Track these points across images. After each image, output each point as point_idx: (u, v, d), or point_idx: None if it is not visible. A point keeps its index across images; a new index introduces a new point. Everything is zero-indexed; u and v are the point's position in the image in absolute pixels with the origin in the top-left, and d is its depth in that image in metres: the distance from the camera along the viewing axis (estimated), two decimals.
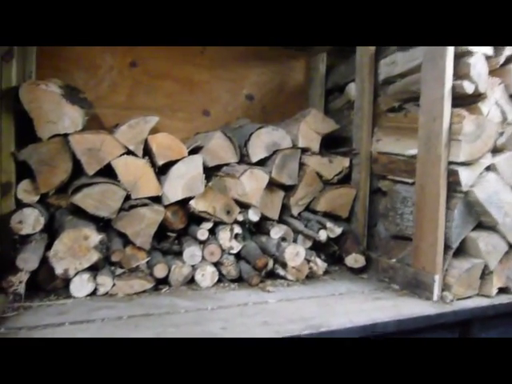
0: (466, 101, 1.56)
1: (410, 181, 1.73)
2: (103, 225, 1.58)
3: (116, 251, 1.51)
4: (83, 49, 2.02)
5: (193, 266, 1.66)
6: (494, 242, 1.62)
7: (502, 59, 1.60)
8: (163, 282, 1.61)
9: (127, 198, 1.59)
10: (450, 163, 1.54)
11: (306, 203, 1.97)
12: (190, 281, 1.65)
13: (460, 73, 1.53)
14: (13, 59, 1.44)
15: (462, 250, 1.62)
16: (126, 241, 1.60)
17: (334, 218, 1.98)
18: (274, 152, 1.86)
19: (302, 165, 1.93)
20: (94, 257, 1.46)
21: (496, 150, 1.62)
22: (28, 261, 1.37)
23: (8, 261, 1.42)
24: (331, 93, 2.39)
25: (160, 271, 1.59)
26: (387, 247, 1.88)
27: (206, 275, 1.64)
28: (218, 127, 2.14)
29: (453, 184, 1.55)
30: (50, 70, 1.90)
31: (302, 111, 2.07)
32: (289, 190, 1.93)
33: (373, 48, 1.94)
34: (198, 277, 1.64)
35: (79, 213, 1.55)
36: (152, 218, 1.61)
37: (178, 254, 1.70)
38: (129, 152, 1.62)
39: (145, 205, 1.60)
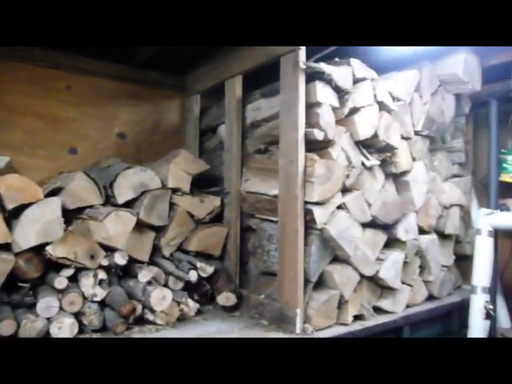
0: (317, 146, 1.73)
1: (274, 219, 1.84)
2: None
3: None
4: None
5: (48, 319, 1.51)
6: (348, 273, 1.78)
7: (346, 110, 1.82)
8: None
9: None
10: (306, 203, 1.67)
11: (178, 243, 1.96)
12: (46, 335, 1.50)
13: (311, 121, 1.70)
14: None
15: (320, 283, 1.75)
16: None
17: (206, 256, 1.99)
18: (143, 193, 1.83)
19: (172, 205, 1.93)
20: None
21: (345, 191, 1.81)
22: None
23: None
24: (205, 133, 2.46)
25: (7, 328, 1.42)
26: (257, 284, 1.95)
27: (64, 327, 1.51)
28: (87, 166, 2.05)
29: (309, 222, 1.69)
30: None
31: (173, 152, 2.08)
32: (160, 230, 1.90)
33: (240, 93, 2.06)
34: (53, 330, 1.49)
35: None
36: None
37: (32, 307, 1.54)
38: None
39: None
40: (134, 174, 1.81)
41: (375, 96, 1.88)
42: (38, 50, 2.04)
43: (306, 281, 1.69)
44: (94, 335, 1.57)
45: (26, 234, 1.52)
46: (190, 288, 1.89)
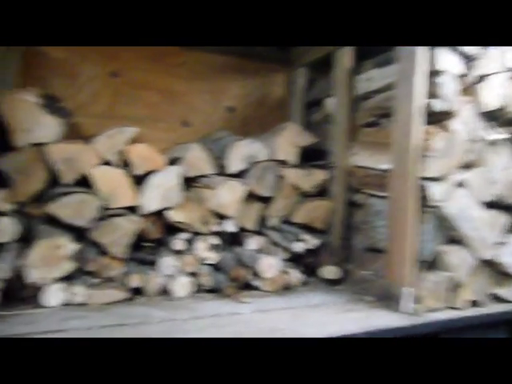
0: (436, 118, 1.61)
1: (383, 194, 1.77)
2: (79, 234, 1.58)
3: (91, 261, 1.52)
4: (63, 57, 2.03)
5: (168, 276, 1.66)
6: (463, 255, 1.67)
7: (471, 78, 1.66)
8: (138, 292, 1.62)
9: (104, 207, 1.60)
10: (421, 178, 1.58)
11: (284, 215, 1.99)
12: (165, 291, 1.66)
13: (431, 91, 1.59)
14: None
15: (432, 264, 1.66)
16: (102, 250, 1.60)
17: (310, 229, 2.00)
18: (252, 164, 1.89)
19: (279, 177, 1.96)
20: (68, 266, 1.46)
21: (465, 167, 1.67)
22: (1, 269, 1.36)
23: None
24: (311, 106, 2.43)
25: (135, 281, 1.59)
26: (361, 259, 1.91)
27: (181, 285, 1.65)
28: (198, 138, 2.16)
29: (424, 199, 1.60)
30: (29, 79, 1.90)
31: (281, 125, 2.10)
32: (266, 201, 1.96)
33: (350, 64, 1.99)
34: (173, 287, 1.64)
35: (54, 222, 1.55)
36: (128, 228, 1.61)
37: (154, 264, 1.70)
38: (106, 162, 1.63)
39: (121, 215, 1.61)
40: (244, 145, 1.88)
41: (504, 63, 1.69)
42: None
43: (417, 260, 1.61)
44: (208, 295, 1.70)
45: (151, 199, 1.67)
46: (293, 259, 1.93)
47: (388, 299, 1.66)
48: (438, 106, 1.56)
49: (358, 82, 2.01)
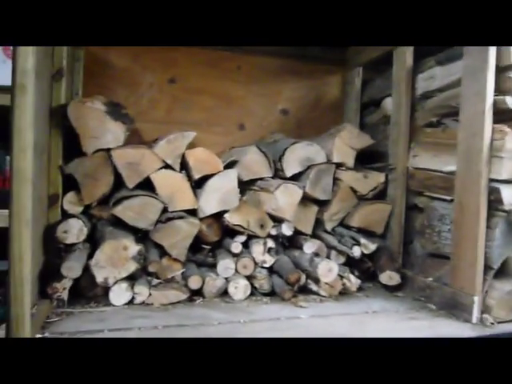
0: (507, 116, 1.51)
1: (447, 198, 1.69)
2: (141, 236, 1.64)
3: (153, 262, 1.56)
4: (125, 67, 2.12)
5: (226, 279, 1.68)
6: None
7: None
8: (197, 293, 1.65)
9: (164, 210, 1.64)
10: (491, 180, 1.49)
11: (340, 218, 1.96)
12: (223, 293, 1.68)
13: (502, 87, 1.49)
14: (63, 78, 1.53)
15: (503, 271, 1.56)
16: (162, 252, 1.65)
17: (368, 233, 1.95)
18: (309, 167, 1.87)
19: (336, 180, 1.93)
20: (132, 267, 1.51)
21: None
22: (72, 269, 1.44)
23: (53, 268, 1.50)
24: (367, 107, 2.37)
25: (194, 283, 1.62)
26: (423, 265, 1.83)
27: (239, 288, 1.66)
28: (253, 141, 2.18)
29: (494, 202, 1.50)
30: (94, 88, 2.00)
31: (337, 126, 2.06)
32: (322, 204, 1.93)
33: (410, 62, 1.92)
34: (231, 289, 1.66)
35: (119, 224, 1.61)
36: (188, 231, 1.65)
37: (212, 267, 1.73)
38: (167, 166, 1.68)
39: (181, 217, 1.65)
40: (300, 148, 1.86)
41: None
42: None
43: (486, 267, 1.52)
44: (264, 299, 1.70)
45: (209, 202, 1.70)
46: (350, 263, 1.89)
47: (453, 308, 1.58)
48: (511, 102, 1.46)
49: (418, 80, 1.93)
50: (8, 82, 1.43)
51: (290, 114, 2.43)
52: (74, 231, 1.53)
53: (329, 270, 1.66)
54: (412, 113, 1.94)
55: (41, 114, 1.30)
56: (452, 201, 1.64)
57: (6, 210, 1.31)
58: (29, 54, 1.08)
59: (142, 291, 1.54)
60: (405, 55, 1.91)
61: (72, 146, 1.60)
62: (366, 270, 1.92)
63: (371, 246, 1.87)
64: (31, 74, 1.08)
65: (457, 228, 1.59)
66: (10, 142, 1.08)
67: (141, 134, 2.13)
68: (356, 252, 1.83)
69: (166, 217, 1.64)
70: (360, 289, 1.85)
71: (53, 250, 1.53)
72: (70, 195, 1.61)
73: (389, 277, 1.83)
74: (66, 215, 1.58)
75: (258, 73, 2.34)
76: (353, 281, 1.80)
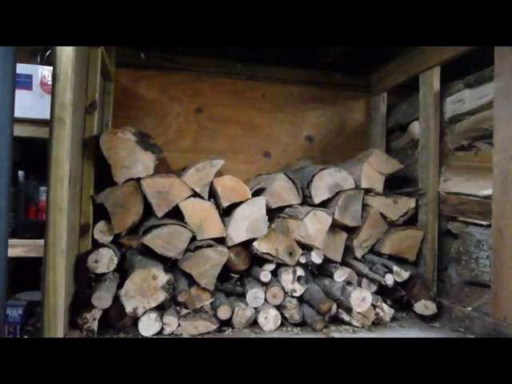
0: None
1: (484, 223, 1.63)
2: (170, 265, 1.63)
3: (182, 291, 1.54)
4: (153, 98, 2.19)
5: (255, 309, 1.64)
6: None
7: None
8: (226, 323, 1.61)
9: (193, 239, 1.64)
10: None
11: (370, 245, 1.91)
12: (253, 323, 1.64)
13: None
14: (95, 111, 1.57)
15: None
16: (191, 281, 1.63)
17: (399, 261, 1.89)
18: (337, 193, 1.85)
19: (365, 206, 1.89)
20: (162, 296, 1.49)
21: None
22: (102, 299, 1.43)
23: (83, 298, 1.49)
24: (392, 132, 2.36)
25: (224, 313, 1.59)
26: (461, 294, 1.76)
27: (269, 318, 1.62)
28: (279, 169, 2.18)
29: None
30: (124, 119, 2.06)
31: (365, 151, 2.05)
32: (351, 231, 1.89)
33: (437, 86, 1.91)
34: (260, 320, 1.62)
35: (148, 253, 1.61)
36: (216, 259, 1.63)
37: (241, 296, 1.70)
38: (195, 194, 1.69)
39: (210, 246, 1.64)
40: (329, 174, 1.85)
41: None
42: (240, 65, 2.28)
43: None
44: (295, 329, 1.64)
45: (238, 230, 1.68)
46: (382, 292, 1.82)
47: None
48: None
49: (447, 104, 1.91)
50: (43, 115, 1.49)
51: (315, 140, 2.43)
52: (105, 261, 1.54)
53: (362, 299, 1.60)
54: (441, 137, 1.91)
55: (75, 145, 1.33)
56: (489, 226, 1.58)
57: (39, 240, 1.33)
58: (67, 89, 1.12)
59: (171, 322, 1.52)
60: (432, 79, 1.90)
61: (103, 176, 1.63)
62: (398, 299, 1.85)
63: (404, 274, 1.81)
64: (69, 108, 1.11)
65: (496, 254, 1.52)
66: (47, 173, 1.10)
67: (168, 163, 2.16)
68: (389, 280, 1.77)
69: (194, 245, 1.63)
70: (393, 319, 1.77)
71: (83, 280, 1.53)
72: (101, 224, 1.62)
73: (424, 306, 1.76)
74: (96, 244, 1.59)
75: (282, 100, 2.37)
76: (386, 310, 1.73)
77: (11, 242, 1.26)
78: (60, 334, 1.12)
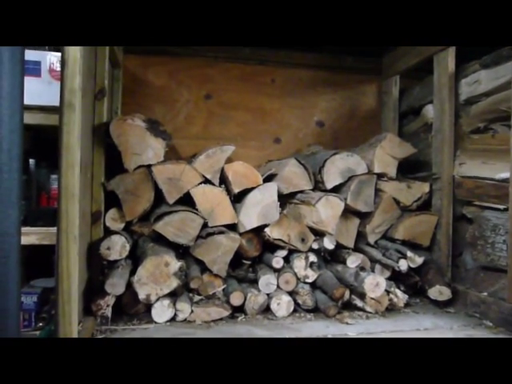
0: None
1: (501, 207, 1.60)
2: (182, 252, 1.63)
3: (194, 278, 1.54)
4: (162, 85, 2.16)
5: (268, 295, 1.64)
6: None
7: None
8: (239, 309, 1.61)
9: (204, 225, 1.63)
10: None
11: (383, 231, 1.88)
12: (265, 309, 1.64)
13: None
14: (104, 97, 1.55)
15: None
16: (203, 268, 1.63)
17: (413, 246, 1.87)
18: (349, 178, 1.82)
19: (378, 191, 1.87)
20: (174, 283, 1.49)
21: None
22: (115, 286, 1.44)
23: (96, 285, 1.50)
24: (405, 116, 2.31)
25: (236, 299, 1.59)
26: (476, 279, 1.73)
27: (282, 304, 1.61)
28: (289, 154, 2.15)
29: None
30: (133, 106, 2.04)
31: (377, 136, 2.01)
32: (364, 217, 1.87)
33: (452, 67, 1.86)
34: (273, 306, 1.61)
35: (160, 240, 1.61)
36: (228, 246, 1.62)
37: (253, 282, 1.69)
38: (206, 181, 1.67)
39: (221, 232, 1.63)
40: (341, 159, 1.82)
41: None
42: (248, 50, 2.24)
43: None
44: (308, 315, 1.64)
45: (249, 216, 1.67)
46: (396, 278, 1.80)
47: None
48: None
49: (462, 86, 1.86)
50: (52, 102, 1.48)
51: (326, 125, 2.39)
52: (117, 248, 1.54)
53: (376, 284, 1.59)
54: (456, 119, 1.87)
55: (85, 132, 1.32)
56: (506, 210, 1.55)
57: (52, 228, 1.33)
58: (76, 74, 1.10)
59: (184, 308, 1.52)
60: (446, 60, 1.85)
61: (113, 163, 1.62)
62: (412, 284, 1.83)
63: (418, 260, 1.78)
64: (78, 93, 1.09)
65: None
66: (58, 159, 1.09)
67: (178, 151, 2.14)
68: (403, 266, 1.75)
69: (206, 232, 1.62)
70: (407, 304, 1.76)
71: (96, 267, 1.53)
72: (112, 212, 1.62)
73: (439, 292, 1.74)
74: (108, 232, 1.59)
75: (292, 85, 2.33)
76: (400, 296, 1.72)
77: (24, 229, 1.26)
78: (75, 321, 1.12)
